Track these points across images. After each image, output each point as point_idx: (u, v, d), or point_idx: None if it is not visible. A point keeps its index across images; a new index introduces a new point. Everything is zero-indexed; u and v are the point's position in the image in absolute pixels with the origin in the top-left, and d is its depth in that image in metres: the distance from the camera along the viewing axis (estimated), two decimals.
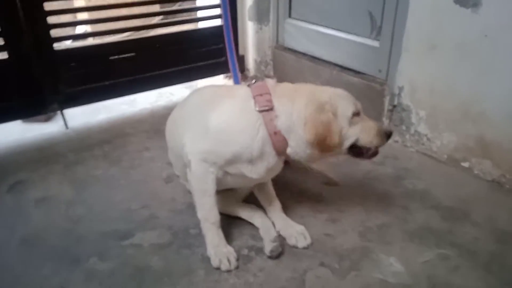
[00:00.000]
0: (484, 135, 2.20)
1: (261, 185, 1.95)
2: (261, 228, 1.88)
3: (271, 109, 1.65)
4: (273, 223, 1.90)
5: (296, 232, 1.85)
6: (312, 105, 1.64)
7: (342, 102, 1.70)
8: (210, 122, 1.68)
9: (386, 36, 2.51)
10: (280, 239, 1.82)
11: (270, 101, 1.66)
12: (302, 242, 1.82)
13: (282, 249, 1.78)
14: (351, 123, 1.69)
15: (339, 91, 1.76)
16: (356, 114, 1.71)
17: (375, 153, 1.80)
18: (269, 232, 1.83)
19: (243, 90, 1.75)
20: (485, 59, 2.10)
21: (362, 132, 1.71)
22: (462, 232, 1.91)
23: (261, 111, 1.65)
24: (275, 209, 1.94)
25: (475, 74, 2.16)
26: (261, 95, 1.67)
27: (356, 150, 1.75)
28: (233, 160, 1.68)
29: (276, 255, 1.75)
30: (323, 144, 1.64)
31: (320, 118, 1.62)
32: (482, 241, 1.85)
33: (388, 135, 1.76)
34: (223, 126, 1.67)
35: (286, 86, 1.76)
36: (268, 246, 1.76)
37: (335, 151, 1.72)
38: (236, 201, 2.02)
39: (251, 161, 1.68)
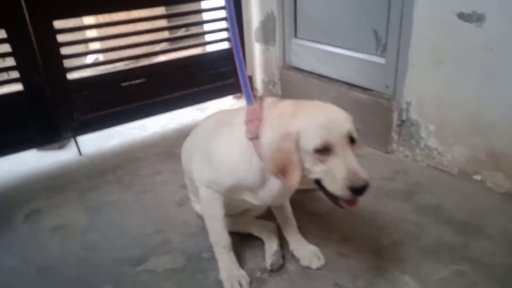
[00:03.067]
0: (494, 147, 2.19)
1: (279, 207, 1.94)
2: (266, 242, 1.92)
3: (257, 137, 1.54)
4: (288, 242, 1.91)
5: (309, 253, 1.85)
6: (277, 134, 1.47)
7: (307, 133, 1.43)
8: (210, 152, 1.68)
9: (392, 53, 2.52)
10: (280, 253, 1.87)
11: (258, 127, 1.54)
12: (315, 263, 1.82)
13: (283, 262, 1.83)
14: (316, 159, 1.43)
15: (320, 119, 1.45)
16: (323, 150, 1.41)
17: (351, 202, 1.49)
18: (270, 246, 1.88)
19: (240, 116, 1.65)
20: (491, 72, 2.11)
21: (326, 175, 1.44)
22: (477, 246, 1.88)
23: (251, 139, 1.55)
24: (291, 228, 1.93)
25: (481, 86, 2.16)
26: (251, 121, 1.56)
27: (327, 192, 1.48)
28: (234, 189, 1.66)
29: (277, 268, 1.80)
30: (287, 176, 1.46)
31: (280, 148, 1.44)
32: (497, 255, 1.82)
33: (355, 190, 1.39)
34: (221, 157, 1.64)
35: (278, 108, 1.58)
36: (269, 260, 1.82)
37: (306, 184, 1.52)
38: (249, 218, 2.04)
39: (252, 189, 1.64)
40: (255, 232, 2.00)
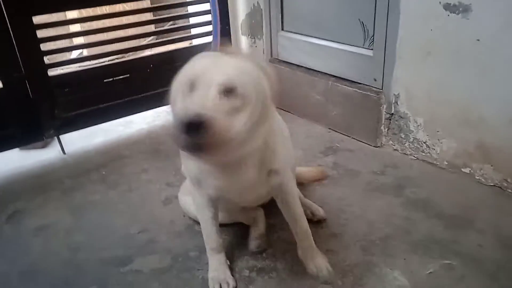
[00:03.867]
0: (483, 140, 2.18)
1: (285, 204, 1.74)
2: (251, 226, 1.90)
3: None
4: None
5: (317, 263, 1.73)
6: None
7: (185, 70, 1.29)
8: None
9: (379, 45, 2.49)
10: (265, 237, 1.86)
11: None
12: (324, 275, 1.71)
13: (266, 247, 1.85)
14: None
15: (214, 59, 1.29)
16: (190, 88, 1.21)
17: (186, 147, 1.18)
18: (255, 230, 1.87)
19: None
20: (480, 64, 2.09)
21: None
22: (466, 240, 1.87)
23: None
24: (301, 232, 1.75)
25: (471, 78, 2.14)
26: None
27: None
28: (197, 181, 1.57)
29: (260, 251, 1.83)
30: None
31: None
32: (487, 249, 1.81)
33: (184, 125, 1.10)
34: None
35: None
36: (253, 242, 1.85)
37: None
38: (236, 208, 1.96)
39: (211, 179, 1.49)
40: (242, 219, 1.97)
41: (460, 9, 2.06)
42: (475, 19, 2.04)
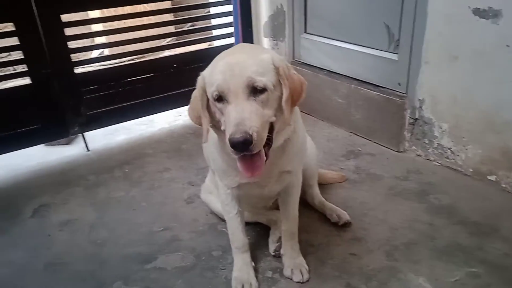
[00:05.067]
0: (510, 146, 2.14)
1: (284, 205, 1.79)
2: (271, 229, 1.94)
3: None
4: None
5: (295, 264, 1.75)
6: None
7: (208, 80, 1.39)
8: None
9: (405, 49, 2.48)
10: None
11: None
12: (297, 277, 1.72)
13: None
14: (218, 108, 1.37)
15: (220, 65, 1.36)
16: (219, 98, 1.35)
17: (244, 165, 1.35)
18: (275, 233, 1.89)
19: None
20: (507, 69, 2.06)
21: (225, 124, 1.35)
22: (491, 248, 1.85)
23: None
24: (288, 231, 1.79)
25: (498, 83, 2.12)
26: None
27: None
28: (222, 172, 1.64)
29: (279, 254, 1.82)
30: (203, 126, 1.44)
31: (193, 95, 1.47)
32: None
33: (232, 145, 1.27)
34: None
35: None
36: (272, 246, 1.87)
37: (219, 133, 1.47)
38: (257, 208, 2.01)
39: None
40: (263, 220, 2.00)
41: (490, 14, 2.04)
42: (505, 25, 2.01)
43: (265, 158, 1.36)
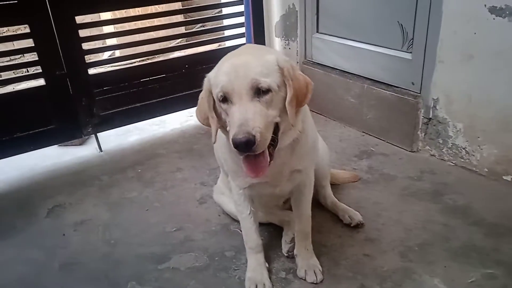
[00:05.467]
0: None
1: (297, 205, 1.79)
2: (284, 229, 1.93)
3: None
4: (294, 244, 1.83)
5: (309, 265, 1.74)
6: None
7: (213, 81, 1.40)
8: None
9: (419, 48, 2.45)
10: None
11: None
12: (311, 277, 1.71)
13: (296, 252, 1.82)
14: (223, 109, 1.38)
15: (225, 66, 1.37)
16: (224, 99, 1.36)
17: (249, 165, 1.37)
18: (287, 234, 1.88)
19: None
20: None
21: (229, 124, 1.36)
22: (507, 249, 1.82)
23: None
24: (301, 232, 1.78)
25: None
26: None
27: None
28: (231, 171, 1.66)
29: (292, 255, 1.81)
30: (212, 127, 1.46)
31: (201, 96, 1.49)
32: None
33: (236, 145, 1.28)
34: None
35: None
36: (285, 247, 1.86)
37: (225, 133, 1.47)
38: (270, 208, 2.01)
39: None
40: (275, 220, 2.00)
41: (507, 12, 2.01)
42: None
43: (269, 158, 1.37)
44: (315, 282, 1.70)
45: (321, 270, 1.73)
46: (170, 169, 2.63)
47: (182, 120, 3.32)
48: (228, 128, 1.37)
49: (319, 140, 1.91)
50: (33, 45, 2.53)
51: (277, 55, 1.42)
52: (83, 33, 2.66)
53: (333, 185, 2.22)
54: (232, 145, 1.29)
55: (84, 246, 2.03)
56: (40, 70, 2.61)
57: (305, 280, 1.71)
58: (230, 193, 1.78)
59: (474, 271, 1.71)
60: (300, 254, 1.78)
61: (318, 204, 2.09)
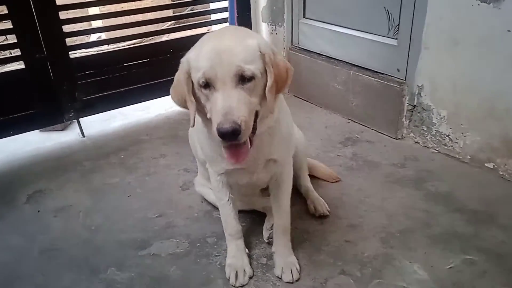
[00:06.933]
0: (509, 134, 2.12)
1: (276, 199, 1.75)
2: (267, 216, 1.92)
3: None
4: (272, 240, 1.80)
5: (286, 264, 1.69)
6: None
7: (193, 64, 1.34)
8: None
9: (404, 34, 2.44)
10: None
11: None
12: (287, 277, 1.66)
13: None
14: (204, 94, 1.34)
15: (206, 50, 1.32)
16: (206, 85, 1.31)
17: (230, 151, 1.35)
18: (269, 220, 1.86)
19: None
20: (510, 54, 2.02)
21: (211, 112, 1.33)
22: (488, 235, 1.84)
23: None
24: (280, 228, 1.74)
25: (500, 69, 2.08)
26: None
27: None
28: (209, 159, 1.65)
29: (272, 242, 1.79)
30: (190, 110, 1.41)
31: (177, 78, 1.43)
32: (509, 244, 1.78)
33: (221, 134, 1.25)
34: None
35: None
36: (266, 233, 1.85)
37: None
38: (253, 195, 1.98)
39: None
40: (258, 207, 1.99)
41: None
42: (507, 9, 1.97)
43: (249, 145, 1.35)
44: (291, 282, 1.65)
45: (298, 269, 1.68)
46: (154, 155, 2.60)
47: (167, 106, 3.27)
48: (208, 115, 1.34)
49: (295, 129, 1.88)
50: (11, 27, 2.45)
51: (258, 39, 1.38)
52: (63, 15, 2.59)
53: (312, 177, 2.19)
54: (217, 134, 1.25)
55: (65, 232, 2.00)
56: (20, 53, 2.54)
57: (280, 278, 1.66)
58: (210, 184, 1.76)
59: (454, 257, 1.73)
60: (278, 251, 1.73)
61: (298, 191, 2.09)
